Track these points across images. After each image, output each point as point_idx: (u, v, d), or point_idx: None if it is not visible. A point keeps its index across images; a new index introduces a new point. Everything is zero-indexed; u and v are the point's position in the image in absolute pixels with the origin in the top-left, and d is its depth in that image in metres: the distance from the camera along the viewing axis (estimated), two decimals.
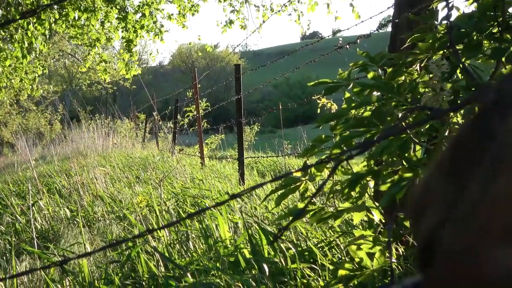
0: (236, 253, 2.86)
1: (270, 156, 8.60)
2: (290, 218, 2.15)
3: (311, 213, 2.12)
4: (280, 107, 7.90)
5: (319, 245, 2.95)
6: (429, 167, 0.38)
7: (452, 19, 1.80)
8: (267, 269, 2.56)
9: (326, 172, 2.18)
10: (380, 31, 4.64)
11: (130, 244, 3.27)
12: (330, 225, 3.27)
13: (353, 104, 1.92)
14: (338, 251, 2.87)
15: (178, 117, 12.05)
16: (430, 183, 0.37)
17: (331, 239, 3.01)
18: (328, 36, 7.37)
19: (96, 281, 3.00)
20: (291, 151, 9.37)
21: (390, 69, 2.01)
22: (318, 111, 6.66)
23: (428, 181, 0.38)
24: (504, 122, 0.32)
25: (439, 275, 0.35)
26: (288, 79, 57.66)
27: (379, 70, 2.07)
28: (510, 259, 0.30)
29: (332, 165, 2.15)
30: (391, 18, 3.09)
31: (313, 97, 6.30)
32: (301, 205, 2.16)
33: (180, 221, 1.04)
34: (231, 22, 10.38)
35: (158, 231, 3.54)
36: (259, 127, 15.45)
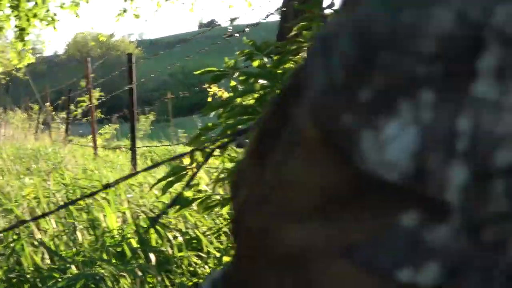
0: (122, 243, 2.83)
1: (163, 145, 8.54)
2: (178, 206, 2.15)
3: (198, 201, 2.12)
4: (170, 96, 7.83)
5: (207, 233, 2.96)
6: (244, 150, 0.39)
7: (336, 7, 1.84)
8: (153, 258, 2.54)
9: (216, 160, 2.19)
10: (271, 20, 4.69)
11: (15, 236, 3.16)
12: (220, 213, 3.29)
13: (238, 93, 1.93)
14: (226, 238, 2.89)
15: (71, 107, 11.76)
16: (242, 165, 0.38)
17: (220, 227, 3.03)
18: (220, 24, 7.39)
19: None
20: (186, 140, 9.34)
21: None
22: (209, 100, 6.66)
23: (241, 163, 0.38)
24: (296, 106, 0.32)
25: (239, 254, 0.36)
26: (184, 67, 57.24)
27: (265, 58, 2.09)
28: (298, 238, 0.31)
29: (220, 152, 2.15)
30: None
31: (203, 86, 6.31)
32: (188, 194, 2.16)
33: (51, 212, 1.00)
34: (124, 10, 10.22)
35: (46, 223, 3.43)
36: (155, 116, 15.27)
